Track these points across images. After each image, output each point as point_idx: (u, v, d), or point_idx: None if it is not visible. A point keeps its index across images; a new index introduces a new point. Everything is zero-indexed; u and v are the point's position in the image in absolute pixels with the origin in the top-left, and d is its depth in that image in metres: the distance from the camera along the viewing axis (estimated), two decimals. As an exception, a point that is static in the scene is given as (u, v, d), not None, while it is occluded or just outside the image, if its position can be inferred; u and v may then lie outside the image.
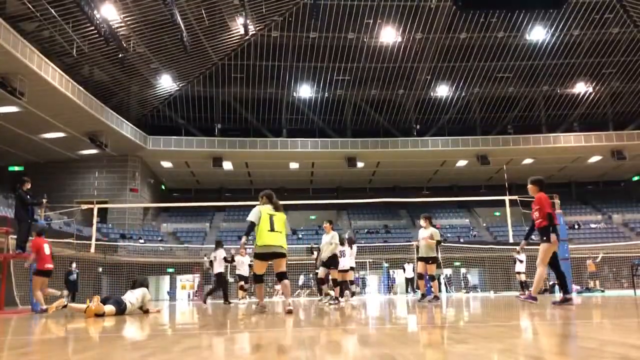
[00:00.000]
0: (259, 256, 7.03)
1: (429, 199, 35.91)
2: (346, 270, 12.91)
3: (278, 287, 25.24)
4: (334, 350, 2.62)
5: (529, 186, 7.37)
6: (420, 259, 10.74)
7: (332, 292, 10.79)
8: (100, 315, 6.88)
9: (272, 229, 6.99)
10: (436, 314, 6.16)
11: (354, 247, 13.29)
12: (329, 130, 35.13)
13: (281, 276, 7.06)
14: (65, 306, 7.64)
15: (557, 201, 13.04)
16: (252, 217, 7.07)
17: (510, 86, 33.46)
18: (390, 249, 26.90)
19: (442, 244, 24.71)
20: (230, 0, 24.41)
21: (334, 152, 32.85)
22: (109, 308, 7.14)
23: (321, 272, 11.01)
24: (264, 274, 7.41)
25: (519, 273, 17.99)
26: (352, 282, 14.82)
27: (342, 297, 10.92)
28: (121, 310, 7.33)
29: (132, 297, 7.72)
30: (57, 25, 22.07)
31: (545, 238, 7.08)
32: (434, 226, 11.00)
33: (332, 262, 10.69)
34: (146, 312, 7.90)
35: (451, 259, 24.55)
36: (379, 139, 33.48)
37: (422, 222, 10.81)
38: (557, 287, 17.54)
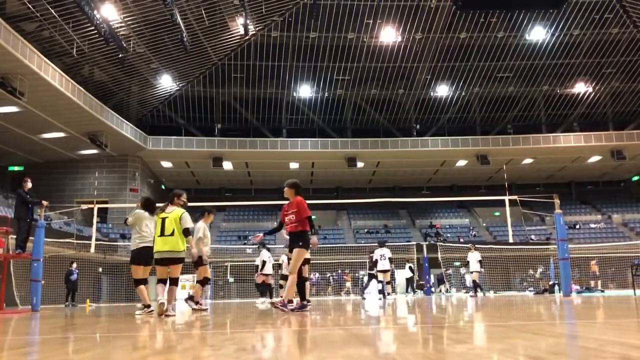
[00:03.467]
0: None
1: (429, 199, 35.92)
2: (387, 271, 15.08)
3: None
4: (333, 350, 2.62)
5: (286, 189, 7.06)
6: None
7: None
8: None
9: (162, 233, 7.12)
10: (436, 314, 6.16)
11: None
12: (329, 130, 35.12)
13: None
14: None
15: (557, 201, 13.03)
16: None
17: (510, 86, 33.46)
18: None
19: (442, 243, 24.84)
20: (230, 0, 24.41)
21: (334, 152, 32.85)
22: None
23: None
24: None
25: (471, 272, 17.46)
26: (387, 283, 15.60)
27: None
28: None
29: None
30: (57, 25, 22.07)
31: (301, 243, 6.83)
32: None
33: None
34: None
35: (451, 259, 24.54)
36: (379, 139, 33.48)
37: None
38: (557, 287, 17.57)
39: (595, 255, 22.82)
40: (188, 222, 7.15)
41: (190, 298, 9.60)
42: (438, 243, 24.92)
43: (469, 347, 2.55)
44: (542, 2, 22.47)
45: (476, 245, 18.31)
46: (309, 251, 11.15)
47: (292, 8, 27.19)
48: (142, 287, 7.94)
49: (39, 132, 25.52)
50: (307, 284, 10.82)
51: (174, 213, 7.11)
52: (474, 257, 16.93)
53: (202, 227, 9.18)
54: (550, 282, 20.06)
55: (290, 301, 10.67)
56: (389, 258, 15.83)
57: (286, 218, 6.94)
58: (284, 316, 5.90)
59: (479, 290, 17.08)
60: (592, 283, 20.96)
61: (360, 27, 28.55)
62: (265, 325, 4.57)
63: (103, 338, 3.74)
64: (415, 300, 13.00)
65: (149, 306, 7.74)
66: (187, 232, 7.09)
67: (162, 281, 7.24)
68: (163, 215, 7.11)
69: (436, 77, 32.61)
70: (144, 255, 7.74)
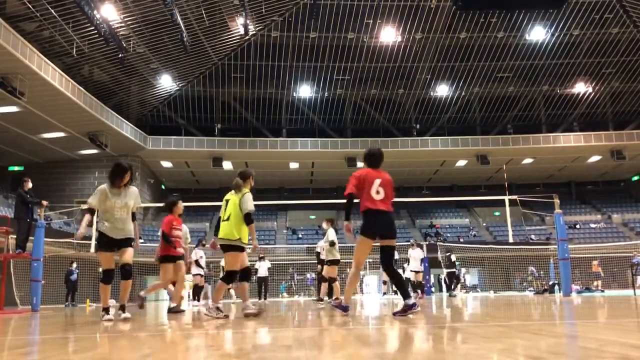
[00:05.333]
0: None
1: (429, 199, 35.92)
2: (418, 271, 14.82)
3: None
4: (332, 350, 2.62)
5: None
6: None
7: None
8: None
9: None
10: (436, 313, 6.16)
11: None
12: (329, 130, 35.12)
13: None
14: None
15: (557, 201, 13.03)
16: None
17: (510, 86, 33.47)
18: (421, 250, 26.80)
19: (442, 243, 24.82)
20: (230, 0, 24.41)
21: (334, 152, 32.85)
22: None
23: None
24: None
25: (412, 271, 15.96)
26: (419, 283, 15.38)
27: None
28: None
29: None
30: (57, 25, 22.07)
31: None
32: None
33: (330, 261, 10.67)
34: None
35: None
36: (379, 139, 33.45)
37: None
38: (557, 287, 17.55)
39: (596, 256, 22.81)
40: (249, 205, 5.98)
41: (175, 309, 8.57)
42: (438, 243, 24.90)
43: (469, 347, 2.56)
44: (542, 2, 22.50)
45: (420, 243, 17.62)
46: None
47: (292, 8, 27.19)
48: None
49: (39, 132, 25.51)
50: (336, 284, 10.86)
51: (239, 194, 6.11)
52: (415, 254, 15.67)
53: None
54: (551, 282, 20.06)
55: (321, 299, 10.68)
56: (421, 259, 15.89)
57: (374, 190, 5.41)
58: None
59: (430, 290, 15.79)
60: (595, 283, 20.96)
61: (360, 27, 28.55)
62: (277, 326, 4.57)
63: (103, 338, 3.74)
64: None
65: (107, 310, 6.14)
66: (248, 218, 5.95)
67: (227, 276, 6.27)
68: (229, 196, 6.16)
69: (436, 77, 32.62)
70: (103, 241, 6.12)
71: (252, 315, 5.68)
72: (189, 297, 14.75)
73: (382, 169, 5.60)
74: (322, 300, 10.47)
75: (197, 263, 12.93)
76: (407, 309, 5.02)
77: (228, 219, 5.96)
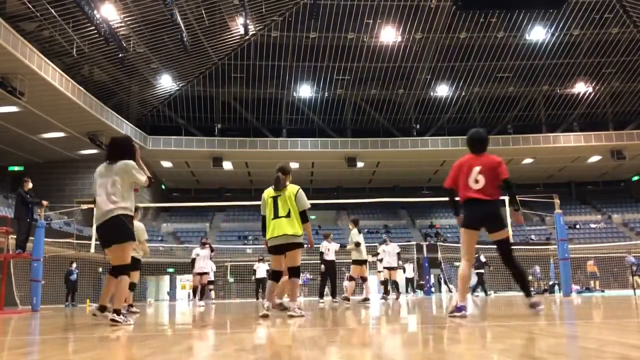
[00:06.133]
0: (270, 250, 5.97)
1: (429, 199, 35.91)
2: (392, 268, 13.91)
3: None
4: (330, 350, 2.62)
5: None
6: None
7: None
8: None
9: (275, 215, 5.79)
10: (436, 313, 6.16)
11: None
12: (329, 130, 35.13)
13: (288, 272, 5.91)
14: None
15: (557, 201, 13.02)
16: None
17: (510, 86, 33.47)
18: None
19: (442, 243, 24.84)
20: (230, 0, 24.41)
21: (334, 152, 32.86)
22: None
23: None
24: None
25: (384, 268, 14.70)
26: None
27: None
28: None
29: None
30: (57, 25, 22.07)
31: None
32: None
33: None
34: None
35: (451, 259, 24.53)
36: (378, 139, 33.48)
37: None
38: (557, 287, 17.56)
39: (592, 255, 22.80)
40: (306, 202, 5.82)
41: (129, 306, 8.59)
42: (438, 243, 24.91)
43: (469, 347, 2.56)
44: (542, 2, 22.49)
45: (392, 239, 16.50)
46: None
47: (292, 8, 27.19)
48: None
49: (39, 132, 25.52)
50: (367, 283, 10.94)
51: (288, 190, 5.87)
52: (389, 249, 14.41)
53: (141, 226, 8.16)
54: (551, 282, 20.06)
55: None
56: (397, 253, 14.47)
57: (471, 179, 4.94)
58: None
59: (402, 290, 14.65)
60: (592, 283, 20.95)
61: (360, 27, 28.55)
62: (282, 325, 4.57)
63: (103, 338, 3.74)
64: (415, 301, 13.01)
65: (103, 308, 5.63)
66: (305, 216, 5.78)
67: (275, 275, 6.01)
68: (274, 193, 5.95)
69: (436, 77, 32.62)
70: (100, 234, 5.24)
71: (296, 316, 5.53)
72: (189, 297, 14.77)
73: (488, 153, 5.06)
74: (348, 299, 10.51)
75: (192, 262, 12.83)
76: (534, 306, 4.73)
77: (288, 215, 5.72)
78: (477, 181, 4.85)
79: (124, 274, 5.03)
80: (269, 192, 5.99)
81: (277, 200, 5.86)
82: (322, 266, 11.75)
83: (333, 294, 11.57)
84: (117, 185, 5.04)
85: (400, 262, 14.52)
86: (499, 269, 24.55)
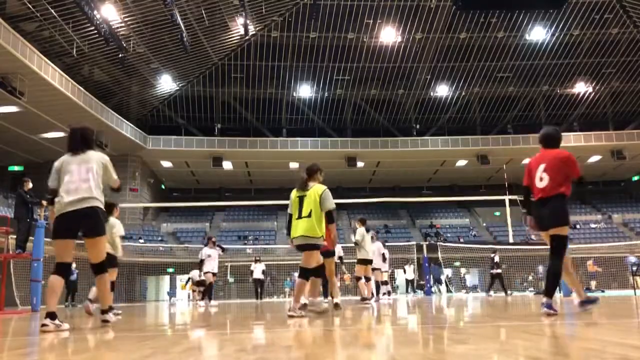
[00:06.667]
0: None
1: (429, 199, 35.93)
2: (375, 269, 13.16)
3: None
4: (330, 350, 2.62)
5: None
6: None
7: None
8: None
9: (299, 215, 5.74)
10: (436, 313, 6.16)
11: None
12: (329, 130, 35.14)
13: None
14: None
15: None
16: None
17: (510, 86, 33.48)
18: (390, 249, 26.75)
19: (442, 243, 24.84)
20: (230, 0, 24.42)
21: (334, 152, 32.86)
22: None
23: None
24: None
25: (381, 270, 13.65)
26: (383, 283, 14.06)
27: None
28: None
29: None
30: (57, 25, 22.08)
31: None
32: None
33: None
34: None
35: (451, 259, 24.53)
36: (379, 139, 33.48)
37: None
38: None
39: (591, 256, 22.80)
40: (331, 202, 5.76)
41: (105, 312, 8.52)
42: (438, 243, 24.91)
43: (469, 347, 2.55)
44: (542, 2, 22.47)
45: (378, 236, 15.21)
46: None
47: (292, 8, 27.19)
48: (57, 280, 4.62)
49: (39, 132, 25.52)
50: (369, 283, 10.86)
51: (314, 190, 5.79)
52: (375, 249, 12.80)
53: (118, 223, 8.07)
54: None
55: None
56: (382, 254, 13.49)
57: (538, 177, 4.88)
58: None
59: (386, 294, 13.75)
60: (593, 284, 20.96)
61: (360, 27, 28.56)
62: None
63: (103, 338, 3.74)
64: (415, 301, 13.01)
65: (52, 315, 4.38)
66: (330, 216, 5.76)
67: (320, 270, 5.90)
68: (300, 193, 5.87)
69: (436, 77, 32.63)
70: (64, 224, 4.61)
71: (317, 313, 5.53)
72: (189, 297, 14.75)
73: (559, 149, 4.98)
74: (366, 299, 10.49)
75: (201, 262, 12.77)
76: (547, 309, 4.55)
77: (309, 215, 5.65)
78: (541, 179, 4.81)
79: (103, 271, 4.73)
80: (295, 191, 5.94)
81: (302, 200, 5.80)
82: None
83: (324, 294, 11.69)
84: (94, 172, 4.68)
85: (385, 265, 13.50)
86: (513, 270, 24.53)
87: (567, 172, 4.76)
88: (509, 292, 17.57)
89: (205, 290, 13.16)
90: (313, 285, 5.85)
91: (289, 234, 5.91)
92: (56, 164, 4.84)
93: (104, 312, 4.80)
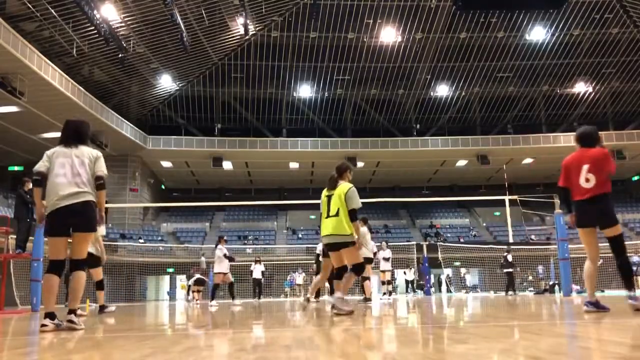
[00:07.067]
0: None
1: (429, 199, 35.92)
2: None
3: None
4: (330, 350, 2.62)
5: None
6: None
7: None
8: None
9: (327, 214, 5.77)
10: (436, 313, 6.16)
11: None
12: (329, 130, 35.14)
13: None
14: None
15: (557, 201, 13.01)
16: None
17: (510, 86, 33.48)
18: (390, 249, 26.82)
19: (442, 243, 24.84)
20: (230, 0, 24.42)
21: (334, 152, 32.86)
22: None
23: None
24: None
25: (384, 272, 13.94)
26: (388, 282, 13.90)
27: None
28: None
29: None
30: (57, 25, 22.08)
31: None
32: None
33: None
34: None
35: (451, 259, 24.52)
36: (379, 139, 33.49)
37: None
38: (557, 287, 17.55)
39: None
40: (356, 201, 5.72)
41: (102, 308, 8.52)
42: (438, 243, 24.91)
43: (469, 347, 2.55)
44: (542, 2, 22.50)
45: (389, 243, 15.24)
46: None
47: (292, 8, 27.20)
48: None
49: (39, 132, 25.53)
50: (367, 282, 10.80)
51: (340, 188, 5.78)
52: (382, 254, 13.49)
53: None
54: (551, 282, 20.05)
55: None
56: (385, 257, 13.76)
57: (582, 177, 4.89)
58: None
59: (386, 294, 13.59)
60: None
61: (360, 27, 28.57)
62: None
63: (103, 338, 3.74)
64: (415, 301, 13.00)
65: (51, 315, 4.35)
66: (353, 214, 5.70)
67: (339, 272, 5.89)
68: (329, 192, 5.85)
69: (436, 77, 32.64)
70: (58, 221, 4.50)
71: (344, 314, 5.45)
72: (187, 297, 14.70)
73: (598, 147, 5.00)
74: (370, 299, 10.47)
75: (231, 259, 12.67)
76: (632, 301, 4.73)
77: (337, 214, 5.68)
78: (587, 180, 4.83)
79: (81, 269, 4.54)
80: (325, 190, 5.97)
81: (330, 199, 5.83)
82: (315, 266, 11.82)
83: (317, 294, 11.73)
84: (86, 167, 4.58)
85: (387, 264, 13.56)
86: (499, 270, 24.53)
87: (607, 169, 4.83)
88: (509, 292, 17.58)
89: (214, 290, 13.01)
90: (348, 280, 5.82)
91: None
92: (48, 152, 4.74)
93: (71, 312, 4.44)
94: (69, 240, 4.57)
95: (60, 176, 4.50)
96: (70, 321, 4.34)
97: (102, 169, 4.69)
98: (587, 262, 4.96)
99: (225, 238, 13.31)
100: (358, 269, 5.71)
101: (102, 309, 8.60)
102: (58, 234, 4.48)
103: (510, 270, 17.75)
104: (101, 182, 4.64)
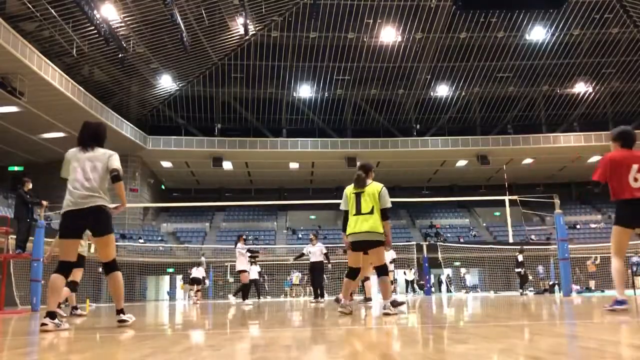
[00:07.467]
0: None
1: (429, 199, 35.93)
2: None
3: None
4: (330, 350, 2.62)
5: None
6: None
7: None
8: None
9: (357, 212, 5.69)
10: (436, 313, 6.16)
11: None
12: (329, 130, 35.14)
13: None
14: None
15: (557, 201, 13.02)
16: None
17: (510, 86, 33.49)
18: (393, 250, 26.83)
19: (442, 243, 24.83)
20: (230, 0, 24.42)
21: (334, 152, 32.87)
22: None
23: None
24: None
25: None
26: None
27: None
28: None
29: None
30: (57, 25, 22.08)
31: None
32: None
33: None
34: None
35: (451, 259, 24.53)
36: (379, 139, 33.49)
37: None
38: (557, 287, 17.58)
39: (590, 255, 22.77)
40: (389, 200, 5.70)
41: (74, 308, 8.49)
42: (438, 243, 24.91)
43: (469, 347, 2.55)
44: (542, 2, 22.50)
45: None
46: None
47: (292, 8, 27.20)
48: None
49: (39, 132, 25.53)
50: (368, 282, 10.80)
51: (371, 187, 5.74)
52: (316, 250, 12.93)
53: None
54: (551, 282, 20.06)
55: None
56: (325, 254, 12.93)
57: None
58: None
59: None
60: (592, 283, 20.95)
61: (360, 27, 28.57)
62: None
63: (103, 338, 3.74)
64: (415, 301, 13.00)
65: (52, 314, 4.38)
66: (386, 214, 5.66)
67: (353, 272, 5.87)
68: (357, 190, 5.79)
69: (436, 77, 32.64)
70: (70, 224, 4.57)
71: (393, 313, 5.37)
72: (188, 297, 14.69)
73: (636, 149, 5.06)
74: (370, 299, 10.46)
75: (255, 254, 12.69)
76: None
77: (372, 212, 5.59)
78: (636, 179, 4.84)
79: (115, 269, 4.69)
80: (350, 188, 5.85)
81: (360, 196, 5.74)
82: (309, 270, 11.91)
83: (314, 294, 11.72)
84: (98, 171, 4.69)
85: (390, 265, 13.28)
86: (499, 270, 24.55)
87: None
88: (523, 292, 17.75)
89: (244, 290, 12.95)
90: (385, 283, 5.74)
91: (344, 230, 5.83)
92: (67, 155, 4.91)
93: (119, 312, 4.70)
94: (81, 242, 4.70)
95: (72, 181, 4.65)
96: (121, 320, 4.62)
97: (115, 164, 4.83)
98: (617, 259, 4.94)
99: (244, 237, 13.37)
100: (385, 270, 5.66)
101: (74, 309, 8.47)
102: (69, 236, 4.60)
103: (520, 270, 17.82)
104: (115, 174, 4.75)
